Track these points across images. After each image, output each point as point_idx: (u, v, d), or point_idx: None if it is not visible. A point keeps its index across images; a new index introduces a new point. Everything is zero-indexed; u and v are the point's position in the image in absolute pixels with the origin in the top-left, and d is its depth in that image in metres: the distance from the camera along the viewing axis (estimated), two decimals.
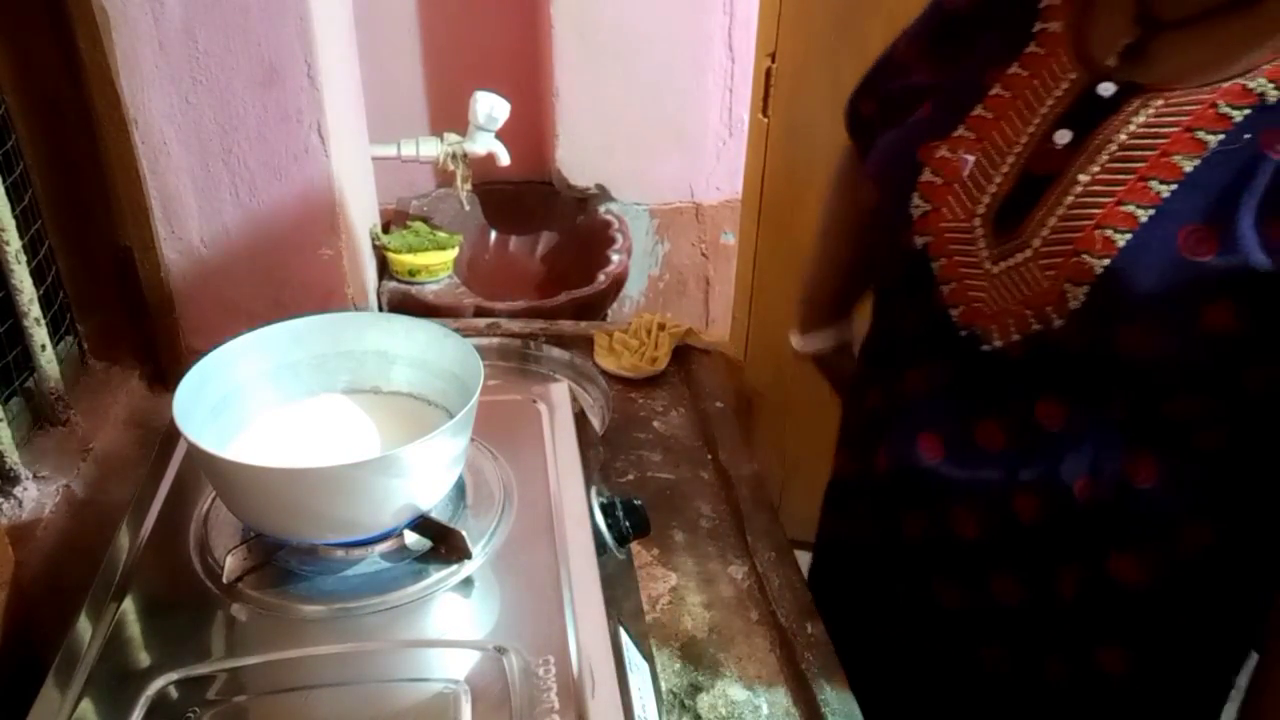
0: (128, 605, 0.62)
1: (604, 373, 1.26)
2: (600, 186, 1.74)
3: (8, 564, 0.78)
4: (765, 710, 0.78)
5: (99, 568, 0.65)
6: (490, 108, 1.50)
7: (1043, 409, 0.70)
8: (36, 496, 0.90)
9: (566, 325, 1.37)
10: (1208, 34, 0.64)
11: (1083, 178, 0.66)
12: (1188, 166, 0.62)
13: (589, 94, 1.65)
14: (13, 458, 0.90)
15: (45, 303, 0.99)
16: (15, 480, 0.90)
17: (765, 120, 1.97)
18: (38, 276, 0.98)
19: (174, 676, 0.56)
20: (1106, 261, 0.63)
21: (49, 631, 0.74)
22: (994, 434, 0.73)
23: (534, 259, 1.80)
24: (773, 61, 1.92)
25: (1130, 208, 0.63)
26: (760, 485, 1.04)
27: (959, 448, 0.75)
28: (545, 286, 1.71)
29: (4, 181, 0.92)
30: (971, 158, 0.72)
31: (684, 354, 1.30)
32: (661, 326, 1.32)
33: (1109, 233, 0.63)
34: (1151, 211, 0.62)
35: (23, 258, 0.93)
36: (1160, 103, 0.64)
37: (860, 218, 0.95)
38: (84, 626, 0.60)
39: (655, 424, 1.17)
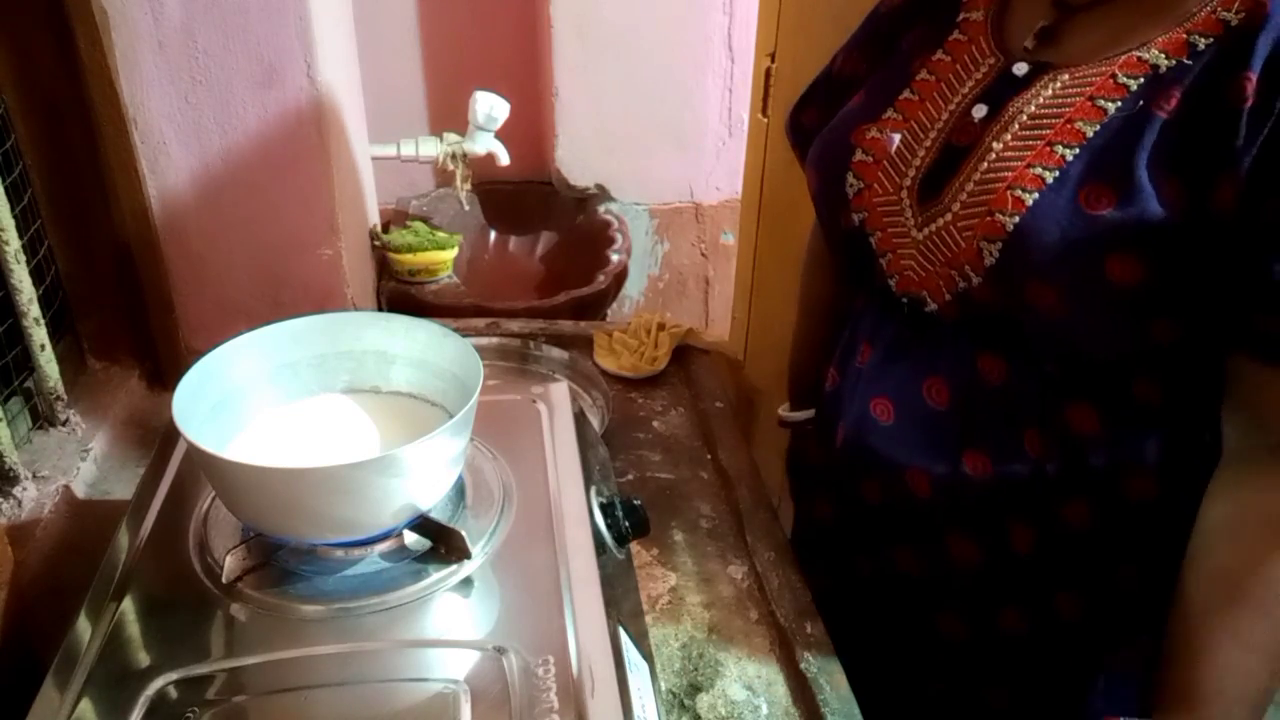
0: (127, 605, 0.62)
1: (604, 373, 1.26)
2: (600, 186, 1.74)
3: (7, 564, 0.78)
4: (765, 710, 0.78)
5: (98, 568, 0.65)
6: (490, 108, 1.50)
7: (984, 364, 0.75)
8: (36, 496, 0.90)
9: (566, 325, 1.37)
10: (1110, 13, 0.71)
11: (996, 145, 0.71)
12: (1089, 132, 0.67)
13: (589, 94, 1.65)
14: (12, 457, 0.90)
15: (45, 302, 0.99)
16: (15, 480, 0.90)
17: (765, 120, 1.97)
18: (37, 276, 0.98)
19: (173, 676, 0.56)
20: (1016, 219, 0.68)
21: (48, 631, 0.74)
22: (940, 390, 0.77)
23: (534, 259, 1.80)
24: (772, 61, 1.92)
25: (1038, 169, 0.68)
26: (760, 485, 1.04)
27: (909, 408, 0.79)
28: (545, 286, 1.70)
29: (3, 181, 0.92)
30: (898, 135, 0.78)
31: (684, 354, 1.30)
32: (661, 326, 1.32)
33: (1018, 192, 0.68)
34: (1056, 173, 0.67)
35: (22, 257, 0.93)
36: (1066, 77, 0.70)
37: (835, 296, 1.01)
38: (83, 626, 0.60)
39: (655, 424, 1.17)
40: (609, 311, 1.59)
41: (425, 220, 1.59)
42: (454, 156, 1.54)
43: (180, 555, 0.66)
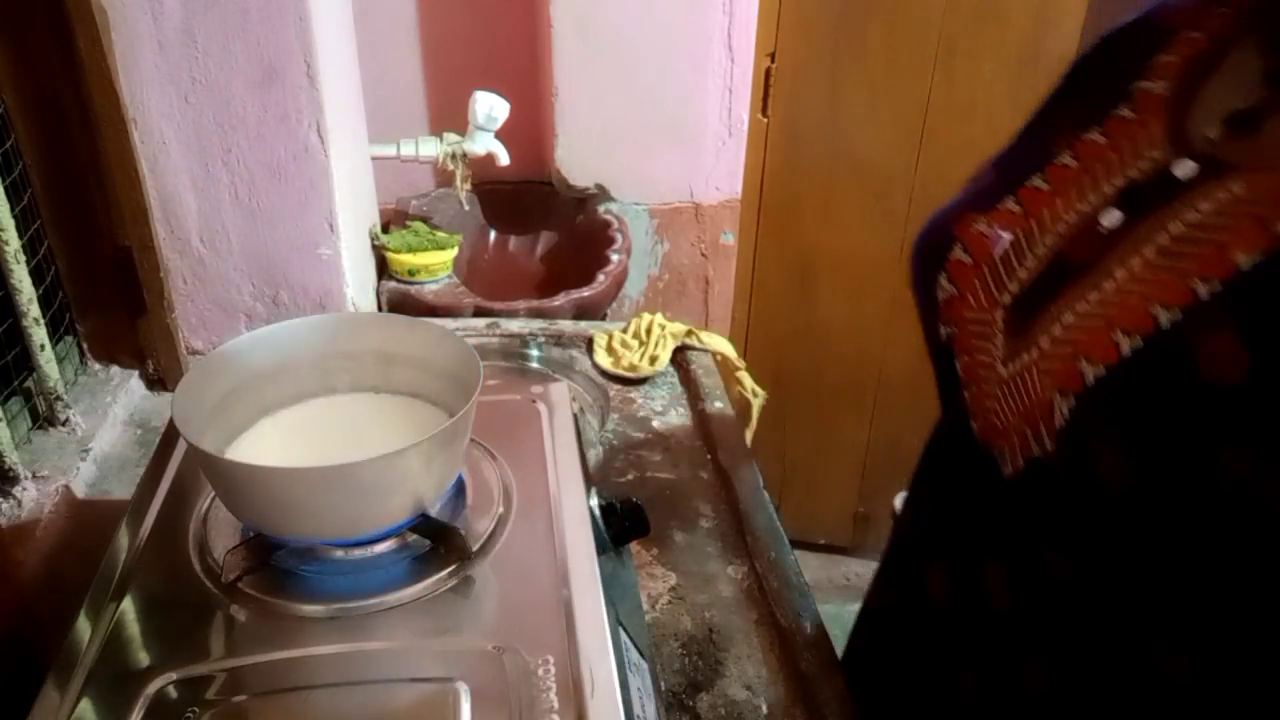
0: (127, 605, 0.62)
1: (604, 373, 1.26)
2: (600, 186, 1.74)
3: (7, 564, 0.78)
4: (765, 710, 0.78)
5: (98, 567, 0.65)
6: (490, 107, 1.50)
7: (1055, 560, 0.56)
8: (36, 496, 0.90)
9: (566, 325, 1.37)
10: None
11: (1118, 271, 0.53)
12: (1245, 263, 0.47)
13: (589, 94, 1.65)
14: (12, 457, 0.90)
15: (44, 302, 0.99)
16: (14, 480, 0.90)
17: (765, 120, 1.97)
18: (37, 276, 0.98)
19: (173, 676, 0.56)
20: (1101, 371, 0.50)
21: (48, 631, 0.74)
22: (1000, 584, 0.60)
23: (533, 259, 1.79)
24: (772, 61, 1.92)
25: (1155, 308, 0.49)
26: (760, 485, 1.04)
27: (964, 593, 0.64)
28: (545, 286, 1.70)
29: (3, 181, 0.92)
30: (1007, 236, 0.60)
31: (684, 354, 1.30)
32: (661, 326, 1.32)
33: (1118, 335, 0.50)
34: (1176, 314, 0.48)
35: (22, 257, 0.93)
36: (1240, 186, 0.49)
37: None
38: (83, 626, 0.60)
39: (655, 424, 1.17)
40: (609, 311, 1.59)
41: (425, 220, 1.59)
42: (454, 156, 1.54)
43: (180, 555, 0.66)
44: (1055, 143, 0.62)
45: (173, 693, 0.55)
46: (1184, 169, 0.53)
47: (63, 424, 1.03)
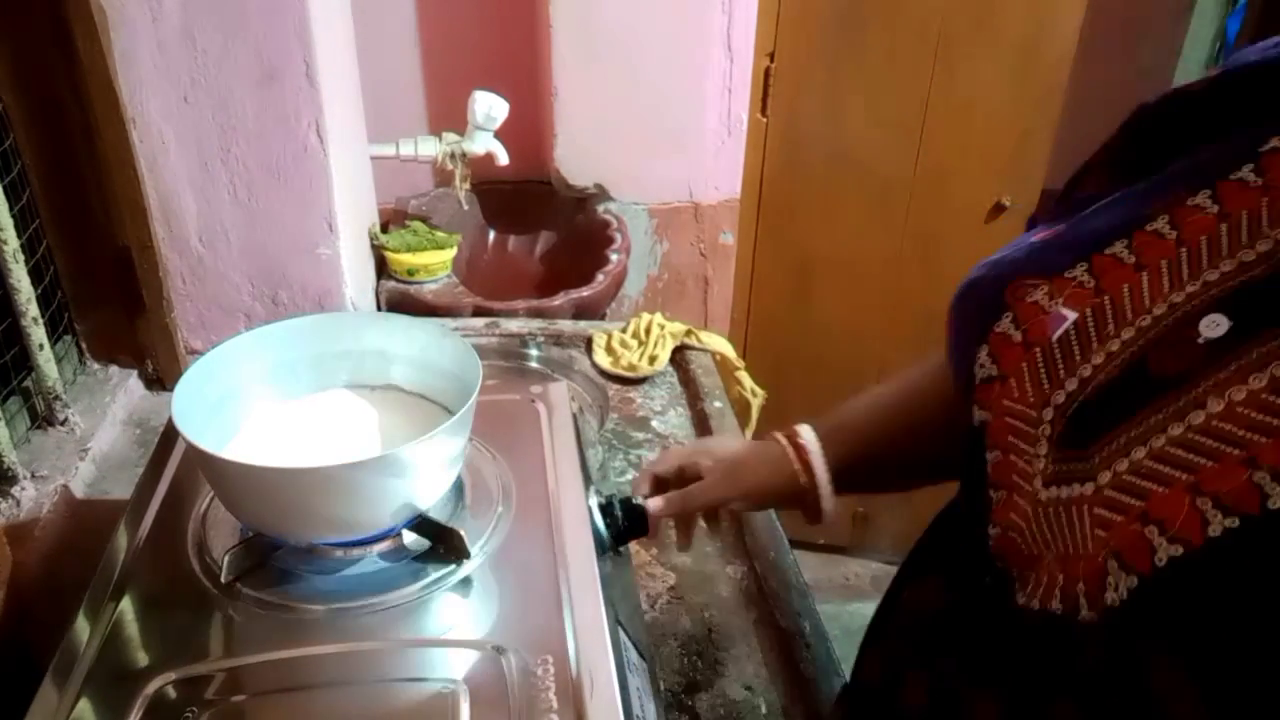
0: (126, 605, 0.62)
1: (603, 372, 1.26)
2: (599, 186, 1.74)
3: (5, 563, 0.78)
4: (764, 710, 0.78)
5: (97, 567, 0.65)
6: (489, 107, 1.50)
7: (1065, 711, 0.46)
8: (34, 496, 0.90)
9: (565, 325, 1.37)
10: None
11: (1214, 403, 0.40)
12: None
13: (588, 94, 1.65)
14: (11, 457, 0.90)
15: (43, 302, 0.99)
16: (13, 480, 0.90)
17: (764, 120, 1.97)
18: (36, 276, 0.98)
19: (172, 676, 0.56)
20: (1179, 550, 0.38)
21: (47, 631, 0.74)
22: None
23: (533, 259, 1.79)
24: (772, 61, 1.92)
25: (1264, 476, 0.37)
26: None
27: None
28: (544, 286, 1.70)
29: (2, 181, 0.92)
30: (1072, 315, 0.48)
31: (683, 354, 1.30)
32: (660, 326, 1.32)
33: (1208, 503, 0.38)
34: None
35: (20, 257, 0.93)
36: None
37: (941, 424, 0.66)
38: (82, 626, 0.60)
39: (654, 424, 1.17)
40: (608, 311, 1.59)
41: (424, 220, 1.59)
42: (453, 156, 1.54)
43: (179, 555, 0.66)
44: (1150, 203, 0.48)
45: (171, 692, 0.55)
46: None
47: (61, 424, 1.03)
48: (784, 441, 0.73)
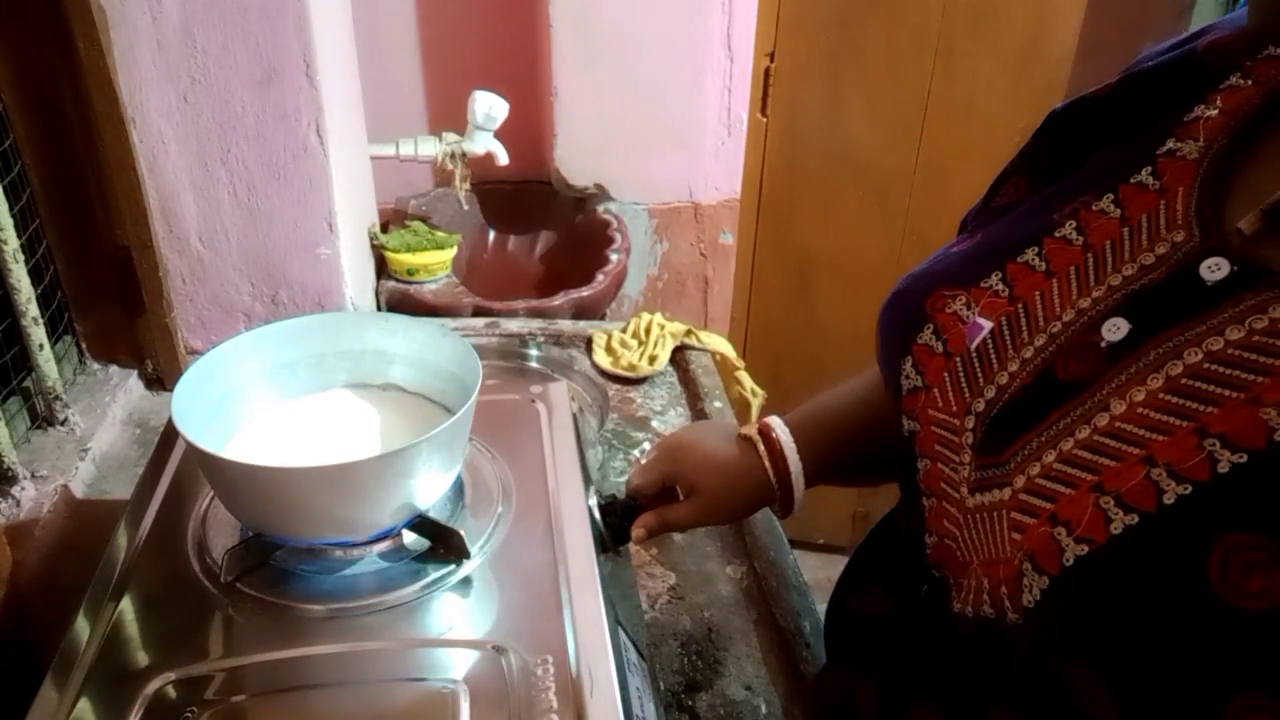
0: (126, 605, 0.62)
1: (603, 372, 1.26)
2: (599, 186, 1.74)
3: (5, 563, 0.78)
4: (764, 710, 0.78)
5: (97, 567, 0.65)
6: (489, 107, 1.50)
7: (1001, 717, 0.48)
8: (34, 496, 0.90)
9: (565, 325, 1.37)
10: None
11: (1117, 405, 0.41)
12: None
13: (588, 94, 1.65)
14: (11, 457, 0.90)
15: (43, 302, 0.99)
16: (13, 479, 0.90)
17: (764, 120, 1.97)
18: (35, 276, 0.98)
19: (172, 676, 0.56)
20: (1084, 549, 0.38)
21: (47, 631, 0.74)
22: None
23: (533, 258, 1.79)
24: (771, 61, 1.92)
25: (1158, 471, 0.37)
26: None
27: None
28: (544, 286, 1.70)
29: (2, 181, 0.92)
30: (988, 324, 0.48)
31: (683, 354, 1.30)
32: (660, 326, 1.32)
33: (1110, 502, 0.38)
34: (1188, 488, 0.36)
35: (20, 257, 0.93)
36: None
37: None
38: (82, 626, 0.60)
39: (654, 424, 1.17)
40: (608, 311, 1.59)
41: (424, 220, 1.59)
42: (453, 156, 1.54)
43: (179, 555, 0.66)
44: (1058, 209, 0.49)
45: (171, 692, 0.55)
46: (1215, 270, 0.40)
47: (61, 423, 1.03)
48: (761, 448, 0.71)
